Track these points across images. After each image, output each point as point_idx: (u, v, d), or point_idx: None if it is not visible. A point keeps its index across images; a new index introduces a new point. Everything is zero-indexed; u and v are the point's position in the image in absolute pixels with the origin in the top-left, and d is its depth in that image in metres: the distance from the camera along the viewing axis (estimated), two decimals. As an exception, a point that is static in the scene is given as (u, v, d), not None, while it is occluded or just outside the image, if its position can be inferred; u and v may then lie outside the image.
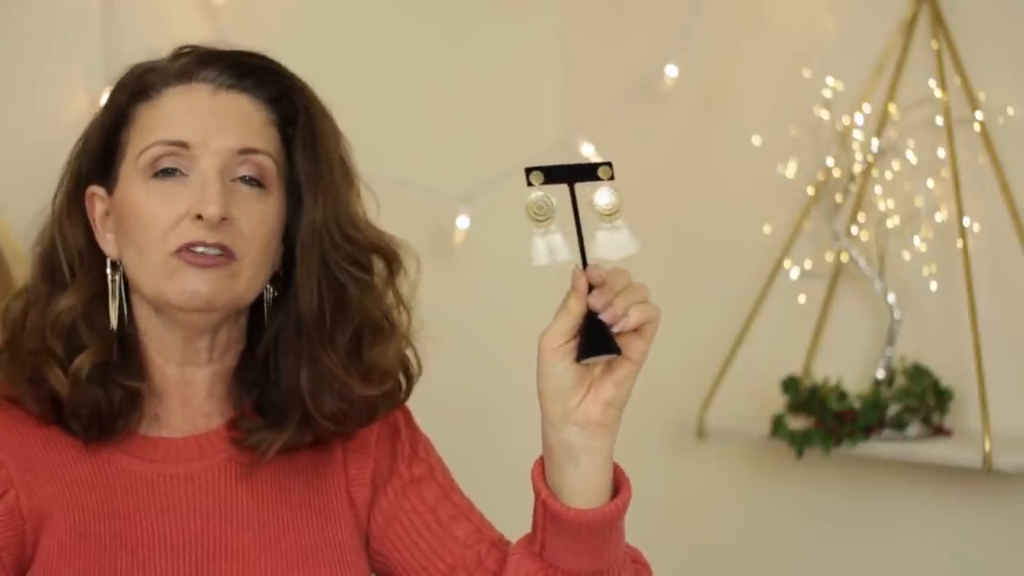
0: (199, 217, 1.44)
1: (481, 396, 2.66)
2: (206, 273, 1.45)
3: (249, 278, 1.47)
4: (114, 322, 1.50)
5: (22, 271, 2.09)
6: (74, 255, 1.51)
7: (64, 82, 2.19)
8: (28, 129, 2.17)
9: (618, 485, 1.42)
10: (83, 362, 1.48)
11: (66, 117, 2.03)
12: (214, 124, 1.47)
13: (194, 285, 1.45)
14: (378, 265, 1.54)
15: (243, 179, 1.48)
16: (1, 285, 2.10)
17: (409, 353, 1.58)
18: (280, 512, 1.51)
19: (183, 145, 1.46)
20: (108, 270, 1.51)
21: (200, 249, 1.45)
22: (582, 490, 1.38)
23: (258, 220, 1.47)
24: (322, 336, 1.50)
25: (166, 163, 1.47)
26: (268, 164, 1.48)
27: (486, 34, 2.79)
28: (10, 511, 1.48)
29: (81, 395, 1.48)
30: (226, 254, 1.45)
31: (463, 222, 2.61)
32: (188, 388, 1.53)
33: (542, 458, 1.41)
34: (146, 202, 1.46)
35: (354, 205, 1.53)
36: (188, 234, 1.44)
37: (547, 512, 1.40)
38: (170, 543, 1.47)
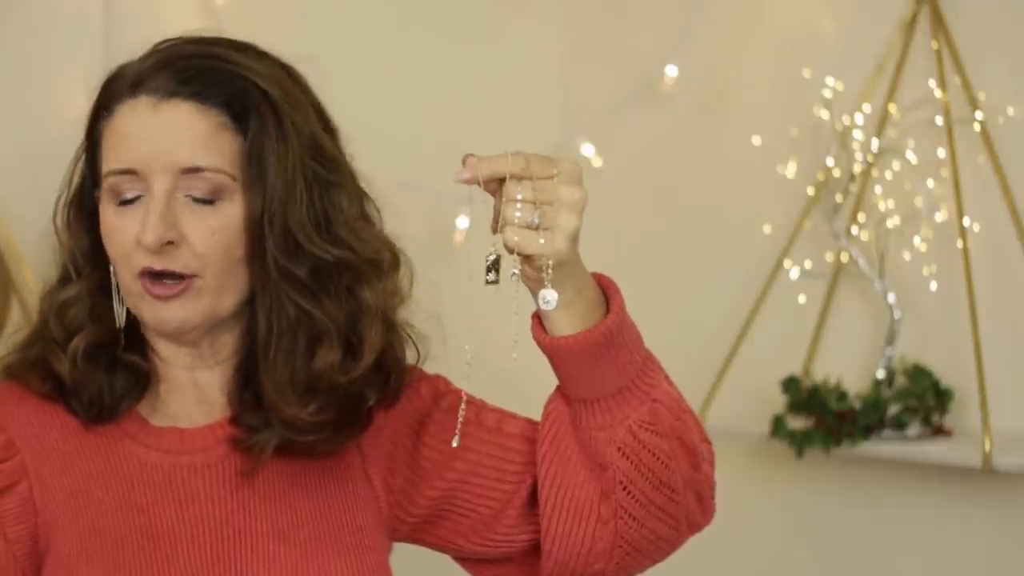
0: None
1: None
2: (170, 304, 1.44)
3: (218, 291, 1.45)
4: (120, 316, 1.50)
5: (21, 269, 2.09)
6: (78, 257, 1.51)
7: (64, 82, 2.19)
8: (28, 129, 2.17)
9: (609, 304, 1.41)
10: (80, 342, 1.48)
11: (66, 117, 2.03)
12: (157, 144, 1.43)
13: (161, 315, 1.44)
14: (344, 277, 1.47)
15: (193, 197, 1.44)
16: (1, 285, 2.10)
17: (408, 354, 1.56)
18: (297, 499, 1.50)
19: (132, 172, 1.44)
20: (112, 274, 1.51)
21: (157, 272, 1.43)
22: (569, 320, 1.39)
23: (209, 236, 1.43)
24: (266, 357, 1.46)
25: (125, 192, 1.44)
26: (217, 179, 1.44)
27: (486, 34, 2.79)
28: (23, 503, 1.47)
29: (80, 375, 1.48)
30: (183, 278, 1.43)
31: (463, 222, 2.61)
32: (200, 387, 1.52)
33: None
34: (113, 226, 1.45)
35: (325, 211, 1.46)
36: (141, 260, 1.43)
37: (542, 350, 1.40)
38: (190, 534, 1.46)
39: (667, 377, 1.46)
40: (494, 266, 1.32)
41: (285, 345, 1.46)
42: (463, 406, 1.44)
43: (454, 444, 1.45)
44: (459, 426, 1.44)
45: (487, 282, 1.33)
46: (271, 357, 1.46)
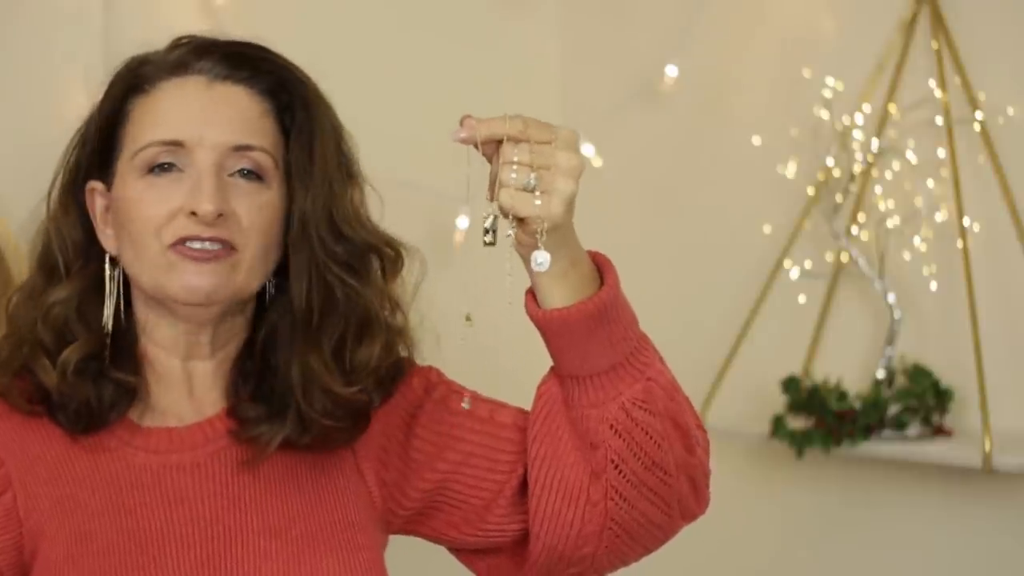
0: (193, 213, 1.43)
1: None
2: (205, 267, 1.44)
3: (249, 269, 1.46)
4: (108, 318, 1.49)
5: (22, 269, 2.09)
6: (69, 250, 1.50)
7: (64, 81, 2.19)
8: (28, 128, 2.17)
9: (603, 279, 1.41)
10: (71, 354, 1.47)
11: (66, 116, 2.03)
12: (208, 119, 1.46)
13: (193, 280, 1.44)
14: (375, 264, 1.52)
15: (241, 172, 1.46)
16: (1, 283, 2.10)
17: (403, 352, 1.56)
18: (289, 496, 1.50)
19: (178, 144, 1.45)
20: (107, 266, 1.50)
21: (197, 245, 1.44)
22: (562, 291, 1.38)
23: (256, 212, 1.46)
24: (308, 335, 1.48)
25: (163, 159, 1.46)
26: (264, 160, 1.47)
27: (486, 34, 2.79)
28: (8, 513, 1.46)
29: (69, 388, 1.47)
30: (225, 248, 1.44)
31: (463, 222, 2.61)
32: (192, 380, 1.52)
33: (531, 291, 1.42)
34: (142, 197, 1.45)
35: (353, 202, 1.51)
36: (183, 229, 1.43)
37: (535, 324, 1.40)
38: (180, 534, 1.45)
39: (661, 359, 1.46)
40: (492, 228, 1.32)
41: (334, 324, 1.48)
42: (465, 401, 1.48)
43: (464, 406, 1.48)
44: (466, 398, 1.49)
45: (484, 243, 1.32)
46: (316, 335, 1.48)
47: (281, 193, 1.48)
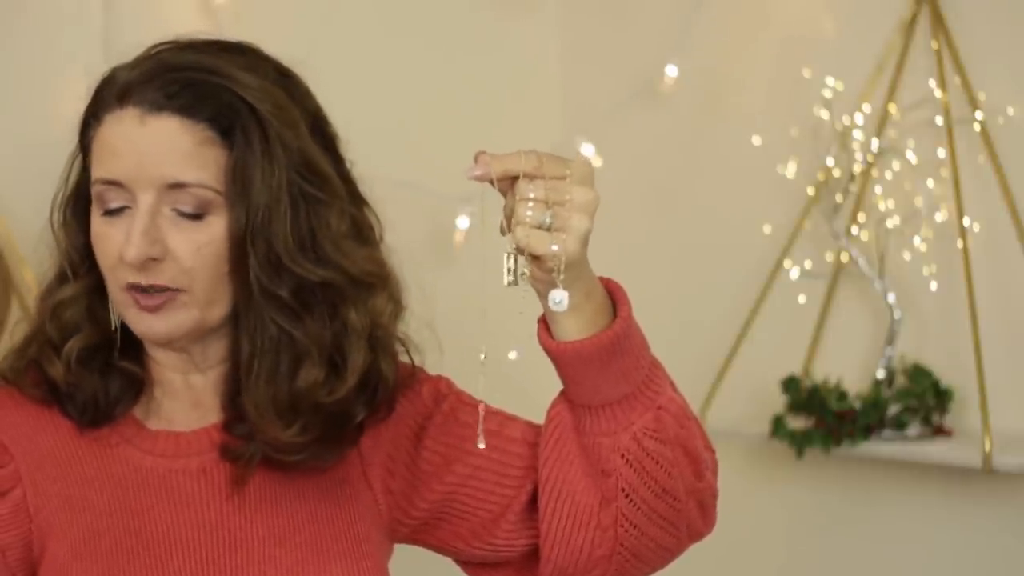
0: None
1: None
2: (156, 315, 1.43)
3: (205, 304, 1.44)
4: (115, 322, 1.49)
5: (22, 271, 2.09)
6: (74, 256, 1.51)
7: (64, 82, 2.19)
8: (28, 129, 2.16)
9: (616, 309, 1.40)
10: (74, 344, 1.47)
11: (66, 117, 2.03)
12: (142, 157, 1.42)
13: (148, 325, 1.44)
14: (327, 299, 1.45)
15: (178, 212, 1.42)
16: (1, 285, 2.10)
17: (385, 366, 1.53)
18: (294, 503, 1.50)
19: (118, 184, 1.43)
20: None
21: (142, 291, 1.43)
22: (576, 324, 1.38)
23: (195, 252, 1.42)
24: (248, 378, 1.45)
25: (110, 202, 1.43)
26: (203, 194, 1.42)
27: (486, 35, 2.79)
28: (16, 509, 1.47)
29: (75, 378, 1.47)
30: (169, 291, 1.42)
31: (463, 222, 2.61)
32: (194, 390, 1.52)
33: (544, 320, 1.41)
34: (100, 236, 1.45)
35: (306, 229, 1.44)
36: (126, 276, 1.43)
37: (548, 354, 1.40)
38: (185, 537, 1.46)
39: (672, 384, 1.46)
40: (512, 268, 1.32)
41: (267, 366, 1.44)
42: (481, 411, 1.45)
43: (480, 446, 1.45)
44: (480, 428, 1.44)
45: (508, 284, 1.32)
46: (253, 377, 1.45)
47: (230, 219, 1.43)
